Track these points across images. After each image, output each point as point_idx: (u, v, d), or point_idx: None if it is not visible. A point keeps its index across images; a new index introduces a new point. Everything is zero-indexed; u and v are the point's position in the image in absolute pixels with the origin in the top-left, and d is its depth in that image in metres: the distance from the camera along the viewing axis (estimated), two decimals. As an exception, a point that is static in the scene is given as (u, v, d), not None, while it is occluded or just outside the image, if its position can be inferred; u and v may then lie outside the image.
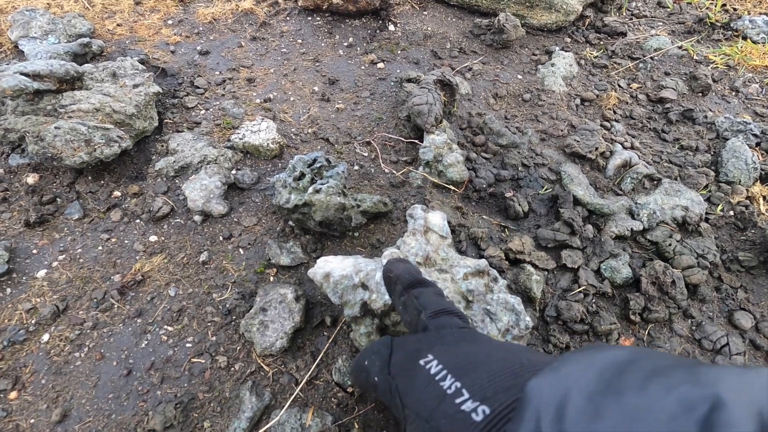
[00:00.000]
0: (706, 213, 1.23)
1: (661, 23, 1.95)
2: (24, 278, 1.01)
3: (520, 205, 1.16)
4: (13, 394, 0.85)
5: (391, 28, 1.77)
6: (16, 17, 1.56)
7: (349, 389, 0.87)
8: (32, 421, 0.83)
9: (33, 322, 0.94)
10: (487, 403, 0.43)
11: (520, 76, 1.61)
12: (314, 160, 1.08)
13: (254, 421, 0.82)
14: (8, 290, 0.99)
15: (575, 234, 1.10)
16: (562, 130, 1.41)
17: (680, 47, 1.77)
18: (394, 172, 1.24)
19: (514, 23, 1.64)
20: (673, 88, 1.58)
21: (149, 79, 1.33)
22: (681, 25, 1.94)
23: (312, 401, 0.86)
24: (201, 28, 1.72)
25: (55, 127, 1.14)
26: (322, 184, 1.03)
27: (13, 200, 1.14)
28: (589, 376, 0.35)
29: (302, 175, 1.06)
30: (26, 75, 1.17)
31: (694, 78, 1.60)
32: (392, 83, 1.55)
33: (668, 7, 2.05)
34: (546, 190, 1.23)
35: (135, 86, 1.31)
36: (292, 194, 1.03)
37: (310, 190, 1.02)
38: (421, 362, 0.52)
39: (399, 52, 1.68)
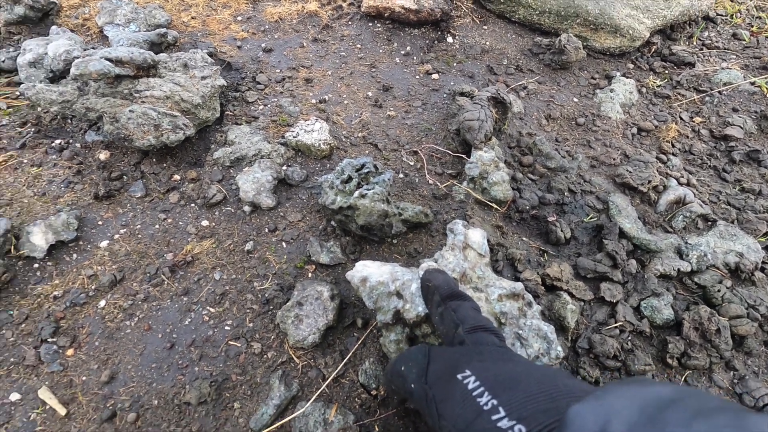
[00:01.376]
0: (763, 262, 1.17)
1: (734, 56, 1.86)
2: (89, 246, 1.10)
3: (562, 230, 1.15)
4: (70, 352, 0.93)
5: (449, 39, 1.79)
6: (104, 5, 1.70)
7: (373, 392, 0.89)
8: (84, 378, 0.90)
9: (93, 288, 1.03)
10: (523, 423, 0.44)
11: (575, 99, 1.58)
12: (362, 166, 1.11)
13: (281, 409, 0.86)
14: (74, 256, 1.08)
15: (617, 267, 1.07)
16: (614, 159, 1.38)
17: (753, 83, 1.68)
18: (438, 184, 1.26)
19: (575, 45, 1.61)
20: (740, 126, 1.50)
21: (216, 72, 1.42)
22: (756, 59, 1.84)
23: (336, 398, 0.89)
24: (267, 26, 1.80)
25: (130, 111, 1.23)
26: (368, 189, 1.06)
27: (85, 173, 1.25)
28: (632, 409, 0.36)
29: (349, 179, 1.10)
30: (110, 60, 1.28)
31: (766, 117, 1.52)
32: (445, 95, 1.57)
33: (744, 40, 1.94)
34: (591, 218, 1.20)
35: (203, 78, 1.39)
36: (338, 196, 1.07)
37: (356, 194, 1.05)
38: (459, 376, 0.54)
39: (455, 64, 1.69)
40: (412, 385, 0.60)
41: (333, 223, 1.16)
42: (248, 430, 0.84)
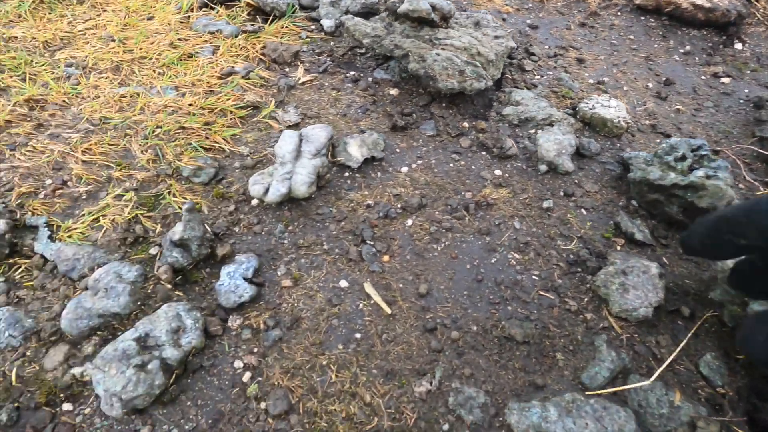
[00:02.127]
0: None
1: None
2: (390, 169, 1.15)
3: None
4: (386, 258, 0.97)
5: (738, 46, 1.60)
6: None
7: (719, 389, 0.78)
8: (400, 285, 0.93)
9: (398, 206, 1.06)
10: None
11: None
12: (699, 147, 1.01)
13: (614, 374, 0.79)
14: (379, 174, 1.13)
15: None
16: None
17: None
18: (762, 188, 1.10)
19: None
20: None
21: (509, 34, 1.41)
22: None
23: (671, 382, 0.79)
24: (530, 5, 1.78)
25: (436, 54, 1.27)
26: (714, 172, 0.95)
27: (379, 105, 1.31)
28: None
29: (684, 158, 1.00)
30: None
31: None
32: (741, 101, 1.39)
33: None
34: None
35: (496, 37, 1.39)
36: (671, 173, 0.98)
37: (700, 173, 0.95)
38: None
39: (748, 72, 1.51)
40: None
41: (634, 202, 1.07)
42: (579, 384, 0.79)
